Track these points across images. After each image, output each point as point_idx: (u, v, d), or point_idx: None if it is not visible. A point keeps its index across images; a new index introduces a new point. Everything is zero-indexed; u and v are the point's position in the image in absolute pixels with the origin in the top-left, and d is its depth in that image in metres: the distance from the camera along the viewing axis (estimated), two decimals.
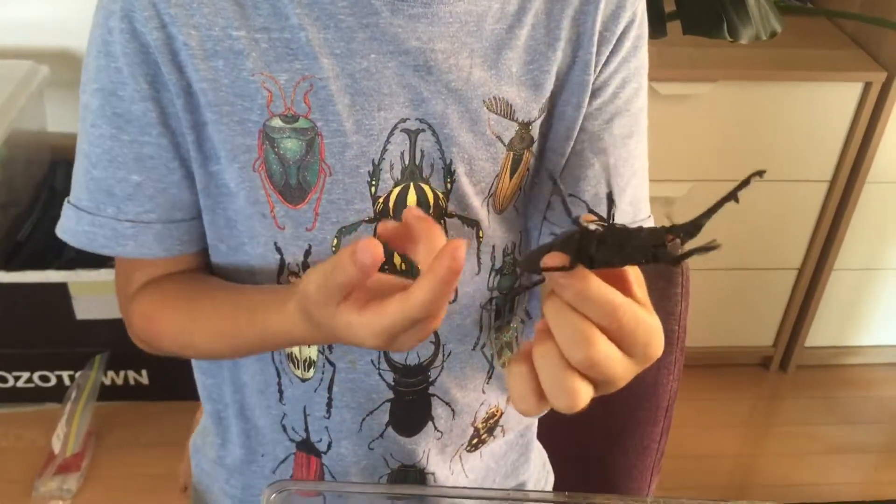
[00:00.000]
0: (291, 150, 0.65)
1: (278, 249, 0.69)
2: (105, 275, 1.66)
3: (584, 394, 0.47)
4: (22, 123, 1.76)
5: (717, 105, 1.76)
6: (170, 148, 0.66)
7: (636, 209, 0.77)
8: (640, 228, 0.47)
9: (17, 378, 1.84)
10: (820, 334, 2.13)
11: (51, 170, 1.94)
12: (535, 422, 0.91)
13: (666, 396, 1.01)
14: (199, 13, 0.62)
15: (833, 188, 1.89)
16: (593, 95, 0.72)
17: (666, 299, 0.98)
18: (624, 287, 0.49)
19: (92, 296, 1.70)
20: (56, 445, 1.71)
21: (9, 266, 1.70)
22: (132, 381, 1.88)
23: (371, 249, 0.49)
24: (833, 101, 1.79)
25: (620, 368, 0.48)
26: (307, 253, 0.69)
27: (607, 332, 0.47)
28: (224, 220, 0.70)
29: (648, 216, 0.79)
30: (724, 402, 2.12)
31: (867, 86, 1.76)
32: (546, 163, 0.74)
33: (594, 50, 0.70)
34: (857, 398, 2.16)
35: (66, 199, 0.71)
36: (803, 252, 1.99)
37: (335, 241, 0.68)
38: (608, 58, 0.71)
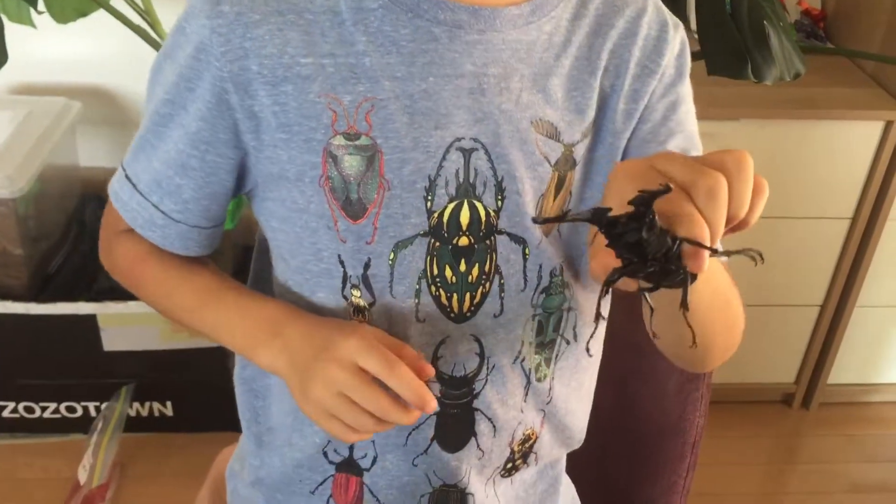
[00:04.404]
0: (353, 166, 0.70)
1: (341, 262, 0.73)
2: (134, 307, 1.68)
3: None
4: (55, 159, 1.80)
5: (740, 143, 1.77)
6: (214, 165, 0.72)
7: None
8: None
9: (43, 409, 1.86)
10: (843, 371, 2.12)
11: (81, 204, 1.97)
12: (563, 455, 0.92)
13: (693, 432, 1.01)
14: (271, 44, 0.67)
15: (855, 225, 1.90)
16: (643, 121, 0.76)
17: None
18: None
19: (120, 327, 1.72)
20: (82, 476, 1.73)
21: (39, 298, 1.73)
22: (157, 413, 1.90)
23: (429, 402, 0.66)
24: (854, 140, 1.80)
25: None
26: (366, 265, 0.72)
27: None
28: (294, 236, 0.74)
29: None
30: (745, 439, 2.11)
31: (888, 124, 1.77)
32: (593, 192, 0.77)
33: (628, 80, 0.75)
34: (881, 436, 2.14)
35: (121, 163, 0.76)
36: (825, 289, 1.99)
37: (392, 255, 0.72)
38: (655, 87, 0.76)
